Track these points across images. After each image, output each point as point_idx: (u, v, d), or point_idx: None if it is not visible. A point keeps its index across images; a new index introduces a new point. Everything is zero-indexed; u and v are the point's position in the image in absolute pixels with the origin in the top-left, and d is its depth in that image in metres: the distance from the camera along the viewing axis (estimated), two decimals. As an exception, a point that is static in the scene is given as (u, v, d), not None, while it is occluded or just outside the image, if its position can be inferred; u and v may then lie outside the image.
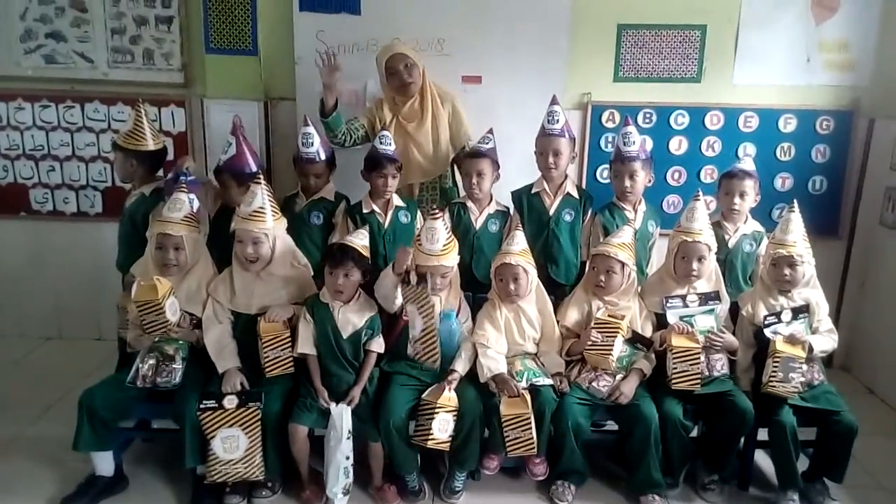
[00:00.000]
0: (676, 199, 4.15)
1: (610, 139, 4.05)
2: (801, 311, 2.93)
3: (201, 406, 2.70)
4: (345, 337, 2.86)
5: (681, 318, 2.96)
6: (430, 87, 3.56)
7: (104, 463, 2.88)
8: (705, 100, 4.06)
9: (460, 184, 3.65)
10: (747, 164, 3.33)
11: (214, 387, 2.82)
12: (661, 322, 3.04)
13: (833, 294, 4.09)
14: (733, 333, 3.02)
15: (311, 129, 3.33)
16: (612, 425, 3.10)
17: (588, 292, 3.09)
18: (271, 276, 2.96)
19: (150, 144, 3.32)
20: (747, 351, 3.01)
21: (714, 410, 2.90)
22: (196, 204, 3.07)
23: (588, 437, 2.89)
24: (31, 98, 4.17)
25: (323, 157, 3.37)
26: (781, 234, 2.95)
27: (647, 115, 4.07)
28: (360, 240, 2.95)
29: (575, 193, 3.38)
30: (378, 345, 2.93)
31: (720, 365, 2.95)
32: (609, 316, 2.93)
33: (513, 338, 3.01)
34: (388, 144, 3.30)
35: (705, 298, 3.00)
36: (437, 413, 2.77)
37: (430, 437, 2.77)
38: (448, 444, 2.82)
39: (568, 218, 3.35)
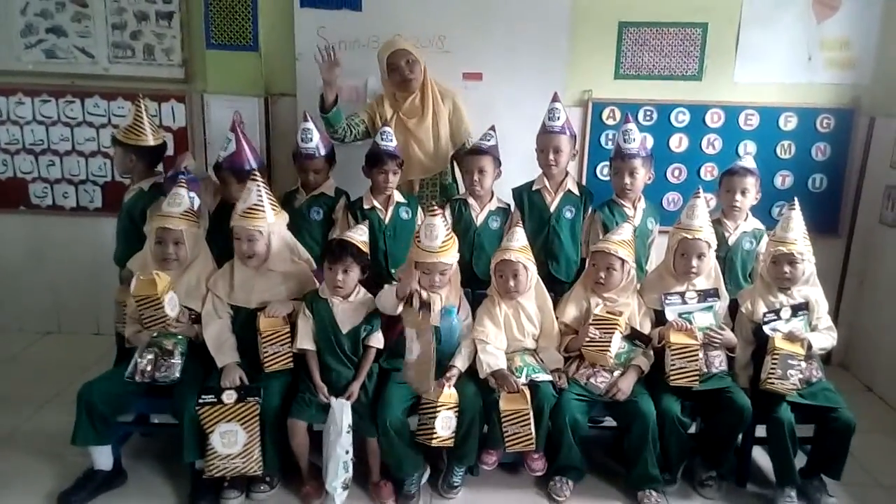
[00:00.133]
0: (677, 196, 4.15)
1: (610, 136, 4.06)
2: (801, 308, 2.94)
3: (200, 401, 2.70)
4: (344, 332, 2.87)
5: (679, 314, 2.96)
6: (430, 83, 3.56)
7: (103, 457, 2.88)
8: (706, 97, 4.06)
9: (460, 180, 3.66)
10: (748, 161, 3.33)
11: (213, 381, 2.82)
12: (659, 319, 3.04)
13: (832, 292, 4.10)
14: (732, 330, 3.02)
15: (310, 125, 3.33)
16: (610, 421, 3.11)
17: (587, 289, 3.10)
18: (271, 271, 2.96)
19: (150, 140, 3.32)
20: (746, 348, 3.01)
21: (712, 407, 2.90)
22: (196, 201, 3.07)
23: (586, 433, 2.90)
24: (31, 92, 4.17)
25: (322, 152, 3.37)
26: (782, 232, 2.96)
27: (648, 113, 4.07)
28: (359, 235, 2.95)
29: (576, 190, 3.38)
30: (377, 340, 2.93)
31: (718, 362, 2.95)
32: (607, 312, 2.93)
33: (512, 334, 3.01)
34: (390, 140, 3.30)
35: (704, 295, 3.00)
36: (439, 411, 2.78)
37: (434, 435, 2.78)
38: (452, 440, 2.82)
39: (569, 215, 3.35)
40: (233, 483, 2.85)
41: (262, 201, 2.89)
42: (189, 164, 3.35)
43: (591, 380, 2.92)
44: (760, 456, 3.10)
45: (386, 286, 2.90)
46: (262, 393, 2.77)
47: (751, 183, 3.25)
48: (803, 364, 2.84)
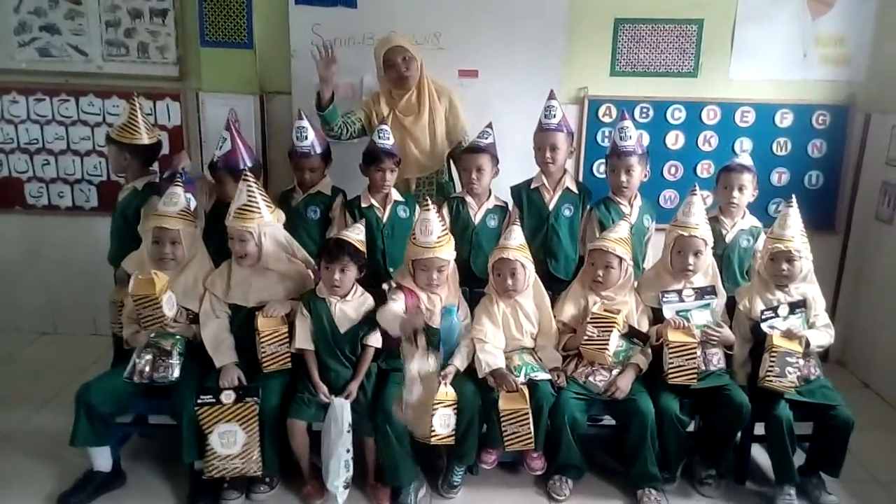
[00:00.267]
0: (673, 193, 4.16)
1: (606, 134, 4.06)
2: (798, 305, 2.94)
3: (199, 401, 2.70)
4: (342, 332, 2.87)
5: (677, 312, 2.97)
6: (427, 81, 3.55)
7: (102, 458, 2.88)
8: (702, 94, 4.07)
9: (457, 179, 3.65)
10: (745, 158, 3.33)
11: (212, 382, 2.81)
12: (657, 317, 3.04)
13: (829, 289, 4.11)
14: (730, 328, 3.02)
15: (305, 124, 3.32)
16: (609, 420, 3.10)
17: (585, 287, 3.10)
18: (268, 270, 2.95)
19: (145, 138, 3.31)
20: (744, 345, 3.02)
21: (710, 405, 2.91)
22: (193, 203, 3.06)
23: (585, 431, 2.90)
24: (25, 91, 4.15)
25: (318, 151, 3.36)
26: (779, 229, 2.96)
27: (644, 110, 4.08)
28: (356, 234, 2.95)
29: (574, 188, 3.38)
30: (375, 340, 2.92)
31: (716, 359, 2.95)
32: (605, 311, 2.93)
33: (510, 333, 3.01)
34: (387, 139, 3.29)
35: (701, 293, 3.00)
36: (437, 409, 2.77)
37: (433, 433, 2.78)
38: (451, 437, 2.82)
39: (567, 213, 3.35)
40: (232, 483, 2.84)
41: (252, 201, 2.88)
42: (185, 164, 3.34)
43: (590, 378, 2.93)
44: (759, 454, 3.11)
45: (392, 304, 2.85)
46: (261, 393, 2.76)
47: (748, 180, 3.25)
48: (801, 361, 2.85)
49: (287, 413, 2.81)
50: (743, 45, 4.02)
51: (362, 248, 2.94)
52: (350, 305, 2.89)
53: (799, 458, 2.93)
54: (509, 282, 2.95)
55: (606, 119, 4.09)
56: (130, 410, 3.00)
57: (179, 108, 4.15)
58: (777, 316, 2.91)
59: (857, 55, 4.02)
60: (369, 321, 2.91)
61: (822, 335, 2.97)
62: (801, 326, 2.93)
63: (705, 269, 3.06)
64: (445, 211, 3.37)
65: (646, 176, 3.37)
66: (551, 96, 3.34)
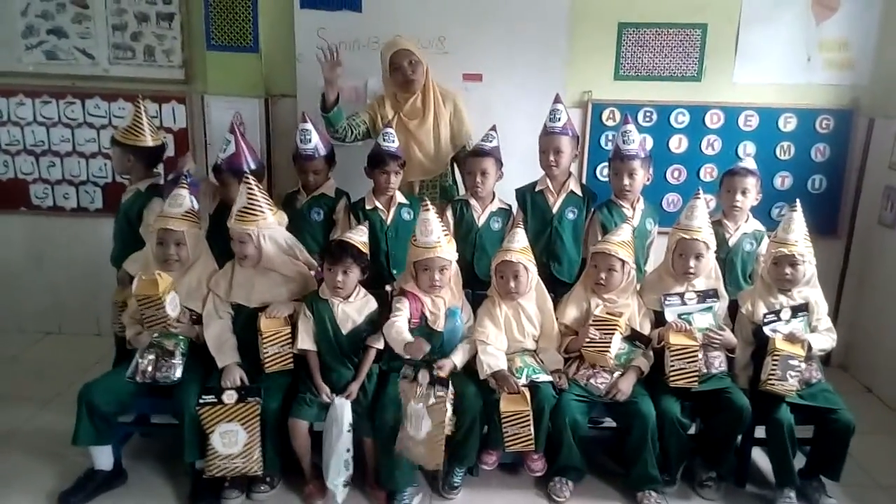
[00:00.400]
0: (676, 197, 4.16)
1: (610, 137, 4.06)
2: (801, 309, 2.94)
3: (200, 401, 2.71)
4: (344, 333, 2.88)
5: (679, 315, 2.97)
6: (432, 85, 3.56)
7: (103, 457, 2.89)
8: (705, 98, 4.07)
9: (460, 182, 3.66)
10: (749, 162, 3.33)
11: (214, 382, 2.83)
12: (659, 320, 3.05)
13: (832, 293, 4.10)
14: (732, 331, 3.02)
15: (308, 126, 3.33)
16: (609, 422, 3.11)
17: (587, 290, 3.10)
18: (270, 272, 2.97)
19: (149, 140, 3.32)
20: (746, 349, 3.01)
21: (711, 407, 2.90)
22: (197, 205, 3.08)
23: (586, 433, 2.90)
24: (31, 94, 4.18)
25: (322, 153, 3.37)
26: (783, 233, 2.95)
27: (648, 114, 4.08)
28: (359, 236, 2.96)
29: (578, 191, 3.38)
30: (377, 341, 2.93)
31: (718, 362, 2.95)
32: (607, 313, 2.93)
33: (512, 335, 3.01)
34: (392, 141, 3.30)
35: (704, 296, 3.00)
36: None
37: None
38: (450, 426, 2.77)
39: (571, 216, 3.35)
40: (233, 483, 2.86)
41: (252, 204, 2.89)
42: (190, 167, 3.35)
43: (591, 380, 2.93)
44: (760, 457, 3.11)
45: (397, 320, 2.84)
46: (263, 393, 2.77)
47: (751, 183, 3.25)
48: (803, 365, 2.85)
49: (289, 413, 2.82)
50: (747, 49, 4.02)
51: (365, 249, 2.95)
52: (353, 307, 2.90)
53: (799, 462, 2.93)
54: (512, 284, 2.95)
55: (610, 123, 4.09)
56: (132, 410, 3.01)
57: (185, 111, 4.17)
58: (779, 319, 2.91)
59: (861, 59, 4.02)
60: (371, 323, 2.92)
61: (825, 339, 2.97)
62: (804, 330, 2.92)
63: (707, 273, 3.07)
64: (449, 213, 3.38)
65: (648, 179, 3.38)
66: (557, 100, 3.35)
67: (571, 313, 3.08)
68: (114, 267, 3.34)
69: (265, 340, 2.84)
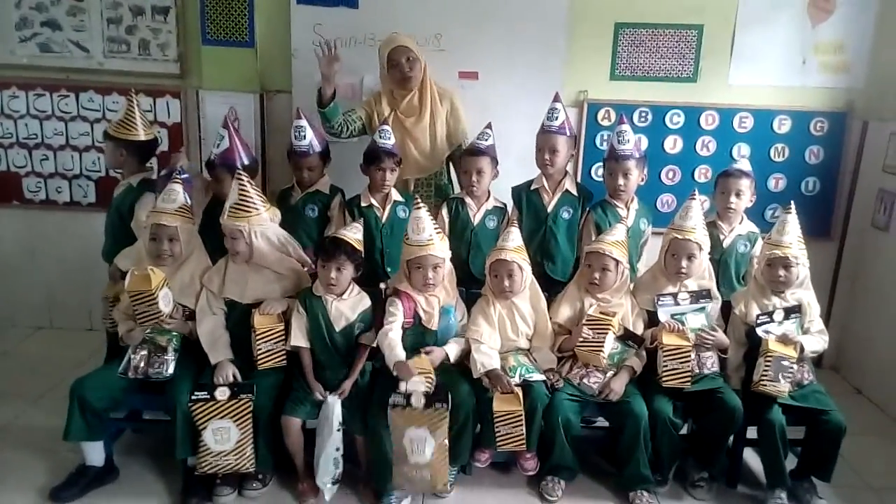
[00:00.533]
0: (671, 198, 4.17)
1: (605, 137, 4.06)
2: (794, 311, 2.95)
3: (193, 397, 2.70)
4: (338, 330, 2.87)
5: (672, 315, 2.97)
6: (430, 83, 3.55)
7: (95, 453, 2.88)
8: (701, 99, 4.08)
9: (455, 180, 3.66)
10: (744, 163, 3.34)
11: (206, 378, 2.82)
12: (652, 320, 3.05)
13: (824, 295, 4.12)
14: (724, 332, 3.03)
15: (303, 123, 3.33)
16: (602, 422, 3.11)
17: (581, 289, 3.10)
18: (263, 268, 2.96)
19: (141, 134, 3.31)
20: (739, 350, 3.03)
21: (704, 408, 2.91)
22: (190, 201, 3.07)
23: (578, 433, 2.91)
24: (25, 86, 4.15)
25: (316, 150, 3.36)
26: (777, 235, 2.96)
27: (643, 114, 4.08)
28: (353, 233, 2.95)
29: (574, 191, 3.38)
30: (370, 338, 2.93)
31: (710, 363, 2.97)
32: (601, 313, 2.94)
33: (506, 334, 3.02)
34: (388, 138, 3.29)
35: (697, 297, 3.01)
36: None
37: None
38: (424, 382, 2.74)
39: (566, 215, 3.36)
40: (225, 480, 2.85)
41: (244, 200, 2.89)
42: (183, 163, 3.34)
43: (584, 380, 2.93)
44: (751, 457, 3.12)
45: (391, 332, 2.82)
46: (255, 390, 2.77)
47: (746, 185, 3.26)
48: (795, 366, 2.86)
49: (281, 410, 2.82)
50: (742, 50, 4.03)
51: (359, 246, 2.94)
52: (346, 304, 2.90)
53: (791, 463, 2.95)
54: (506, 283, 2.95)
55: (605, 122, 4.09)
56: (124, 406, 3.00)
57: (180, 106, 4.15)
58: (772, 321, 2.91)
59: (856, 62, 4.04)
60: (365, 320, 2.92)
61: (817, 341, 2.98)
62: (796, 332, 2.93)
63: (700, 274, 3.07)
64: (445, 211, 3.38)
65: (643, 180, 3.38)
66: (556, 99, 3.35)
67: (565, 312, 3.08)
68: (105, 262, 3.33)
69: (258, 337, 2.84)
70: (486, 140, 3.34)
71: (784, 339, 2.86)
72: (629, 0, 3.98)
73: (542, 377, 2.88)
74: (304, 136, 3.32)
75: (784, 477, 2.88)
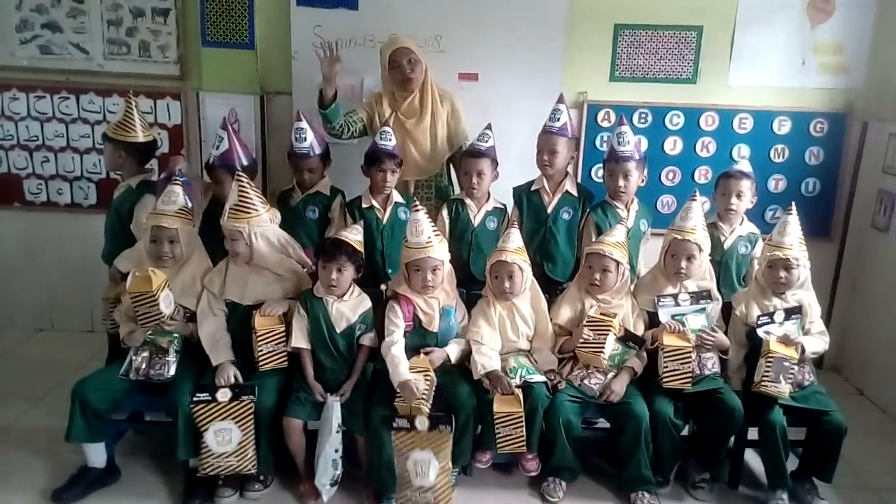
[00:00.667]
0: (670, 199, 4.17)
1: (605, 138, 4.07)
2: (794, 312, 2.95)
3: (194, 399, 2.71)
4: (338, 331, 2.88)
5: (672, 316, 2.98)
6: (431, 84, 3.55)
7: (96, 454, 2.88)
8: (700, 101, 4.08)
9: (455, 182, 3.66)
10: (745, 165, 3.34)
11: (208, 380, 2.82)
12: (653, 320, 3.05)
13: (825, 296, 4.12)
14: (725, 333, 3.04)
15: (304, 125, 3.33)
16: (603, 423, 3.11)
17: (581, 290, 3.11)
18: (264, 269, 2.96)
19: (140, 136, 3.31)
20: (739, 351, 3.03)
21: (704, 408, 2.91)
22: (191, 204, 3.07)
23: (579, 434, 2.91)
24: (25, 88, 4.15)
25: (317, 151, 3.37)
26: (778, 237, 2.96)
27: (643, 115, 4.09)
28: (353, 235, 2.96)
29: (574, 192, 3.39)
30: (371, 340, 2.94)
31: (711, 364, 2.97)
32: (601, 314, 2.94)
33: (506, 335, 3.02)
34: (389, 140, 3.30)
35: (697, 298, 3.01)
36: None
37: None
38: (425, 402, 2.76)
39: (566, 216, 3.36)
40: (227, 481, 2.85)
41: (243, 201, 2.89)
42: (182, 167, 3.34)
43: (585, 381, 2.94)
44: (752, 458, 3.12)
45: (394, 348, 2.83)
46: (257, 391, 2.77)
47: (746, 186, 3.26)
48: (796, 367, 2.86)
49: (283, 412, 2.81)
50: (742, 51, 4.04)
51: (360, 248, 2.95)
52: (347, 305, 2.90)
53: (792, 464, 2.95)
54: (507, 284, 2.95)
55: (605, 124, 4.10)
56: (126, 407, 2.99)
57: (180, 108, 4.16)
58: (773, 322, 2.92)
59: (856, 63, 4.04)
60: (366, 321, 2.92)
61: (817, 342, 2.99)
62: (797, 333, 2.93)
63: (701, 275, 3.07)
64: (445, 213, 3.39)
65: (643, 181, 3.38)
66: (560, 100, 3.36)
67: (566, 314, 3.09)
68: (105, 264, 3.33)
69: (259, 338, 2.84)
70: (487, 141, 3.34)
71: (785, 340, 2.86)
72: (629, 1, 3.98)
73: (543, 378, 2.88)
74: (305, 138, 3.32)
75: (785, 478, 2.88)
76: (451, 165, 3.69)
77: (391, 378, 2.78)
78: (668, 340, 2.89)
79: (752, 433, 2.95)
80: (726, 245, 3.29)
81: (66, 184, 4.28)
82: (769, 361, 2.81)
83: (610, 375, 2.94)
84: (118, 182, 3.45)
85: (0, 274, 4.43)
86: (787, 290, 2.98)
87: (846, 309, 4.26)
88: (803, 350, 2.88)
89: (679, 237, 2.99)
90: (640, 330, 3.05)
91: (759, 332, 2.90)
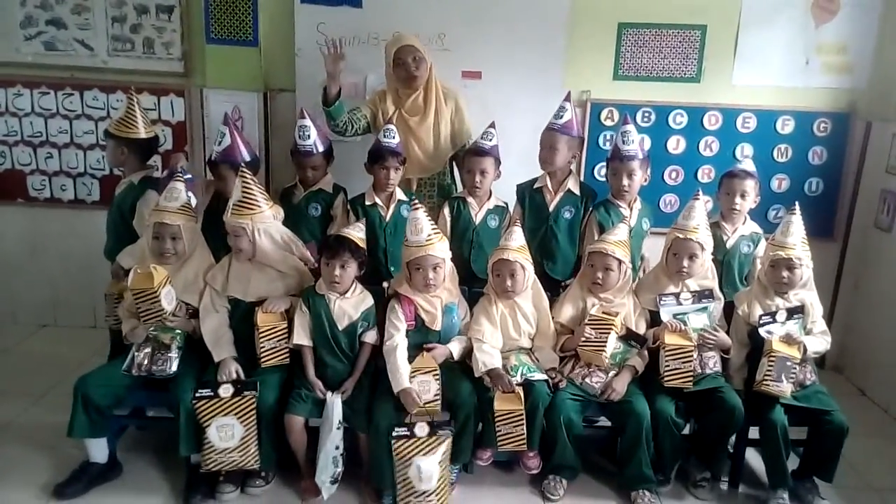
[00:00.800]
0: (673, 198, 4.17)
1: (608, 137, 4.07)
2: (796, 311, 2.95)
3: (197, 394, 2.71)
4: (340, 328, 2.88)
5: (674, 315, 2.97)
6: (435, 83, 3.55)
7: (98, 450, 2.88)
8: (704, 100, 4.08)
9: (458, 180, 3.66)
10: (748, 164, 3.34)
11: (210, 376, 2.82)
12: (654, 319, 3.05)
13: (827, 296, 4.11)
14: (727, 332, 3.03)
15: (307, 122, 3.33)
16: (604, 421, 3.10)
17: (583, 289, 3.10)
18: (267, 266, 2.97)
19: (142, 132, 3.31)
20: (741, 350, 3.02)
21: (705, 407, 2.91)
22: (194, 200, 3.08)
23: (580, 432, 2.91)
24: (30, 85, 4.16)
25: (320, 149, 3.37)
26: (781, 237, 2.96)
27: (646, 114, 4.09)
28: (356, 232, 2.96)
29: (576, 190, 3.38)
30: (373, 337, 2.94)
31: (712, 363, 2.96)
32: (603, 313, 2.94)
33: (508, 333, 3.02)
34: (392, 137, 3.30)
35: (699, 296, 3.01)
36: (415, 376, 2.79)
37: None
38: (436, 403, 2.80)
39: (567, 215, 3.36)
40: (228, 477, 2.86)
41: (247, 198, 2.89)
42: (183, 164, 3.35)
43: (587, 380, 2.94)
44: (753, 458, 3.12)
45: (397, 351, 2.84)
46: (259, 387, 2.77)
47: (750, 186, 3.25)
48: (798, 367, 2.86)
49: (285, 408, 2.81)
50: (746, 51, 4.03)
51: (363, 245, 2.95)
52: (349, 302, 2.90)
53: (793, 463, 2.95)
54: (508, 283, 2.95)
55: (609, 122, 4.10)
56: (128, 403, 2.99)
57: (184, 104, 4.16)
58: (775, 321, 2.91)
59: (859, 63, 4.04)
60: (368, 318, 2.93)
61: (819, 341, 2.98)
62: (799, 332, 2.93)
63: (703, 274, 3.07)
64: (447, 211, 3.39)
65: (646, 180, 3.38)
66: (567, 98, 3.36)
67: (568, 312, 3.09)
68: (107, 260, 3.34)
69: (262, 335, 2.85)
70: (490, 140, 3.33)
71: (787, 340, 2.86)
72: (632, 0, 3.98)
73: (544, 376, 2.88)
74: (308, 136, 3.32)
75: (786, 477, 2.88)
76: (455, 163, 3.69)
77: (392, 384, 2.79)
78: (670, 339, 2.89)
79: (753, 432, 2.95)
80: (729, 244, 3.28)
81: (70, 180, 4.29)
82: (771, 361, 2.80)
83: (611, 374, 2.94)
84: (121, 178, 3.46)
85: (3, 270, 4.44)
86: (789, 290, 2.98)
87: (848, 309, 4.26)
88: (805, 350, 2.88)
89: (681, 236, 2.99)
90: (641, 329, 3.05)
91: (761, 331, 2.90)
